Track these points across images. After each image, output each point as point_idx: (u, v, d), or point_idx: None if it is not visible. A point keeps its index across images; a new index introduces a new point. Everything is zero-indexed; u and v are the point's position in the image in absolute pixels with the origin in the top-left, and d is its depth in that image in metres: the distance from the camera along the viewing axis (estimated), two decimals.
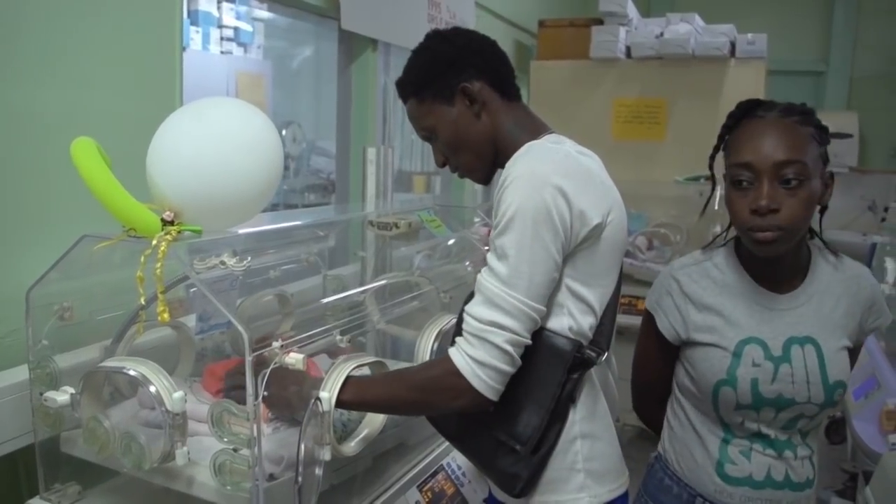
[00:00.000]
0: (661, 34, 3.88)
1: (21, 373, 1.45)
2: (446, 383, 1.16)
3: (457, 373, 1.14)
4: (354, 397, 1.23)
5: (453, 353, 1.16)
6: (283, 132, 4.11)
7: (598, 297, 1.24)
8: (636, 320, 3.30)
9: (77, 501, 1.42)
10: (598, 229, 1.20)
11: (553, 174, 1.16)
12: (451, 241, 2.32)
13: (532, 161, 1.20)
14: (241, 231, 1.46)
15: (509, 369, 1.15)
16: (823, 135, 1.28)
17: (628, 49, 4.00)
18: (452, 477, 1.74)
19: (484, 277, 1.17)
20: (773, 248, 1.27)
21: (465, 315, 1.18)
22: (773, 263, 1.33)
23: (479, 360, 1.13)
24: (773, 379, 1.30)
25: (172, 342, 1.66)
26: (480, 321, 1.14)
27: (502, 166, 1.26)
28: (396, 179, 4.73)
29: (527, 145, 1.25)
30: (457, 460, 1.76)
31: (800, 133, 1.25)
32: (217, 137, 1.31)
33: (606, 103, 4.12)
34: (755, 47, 3.79)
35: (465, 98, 1.31)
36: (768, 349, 1.32)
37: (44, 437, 1.42)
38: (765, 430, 1.35)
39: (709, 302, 1.38)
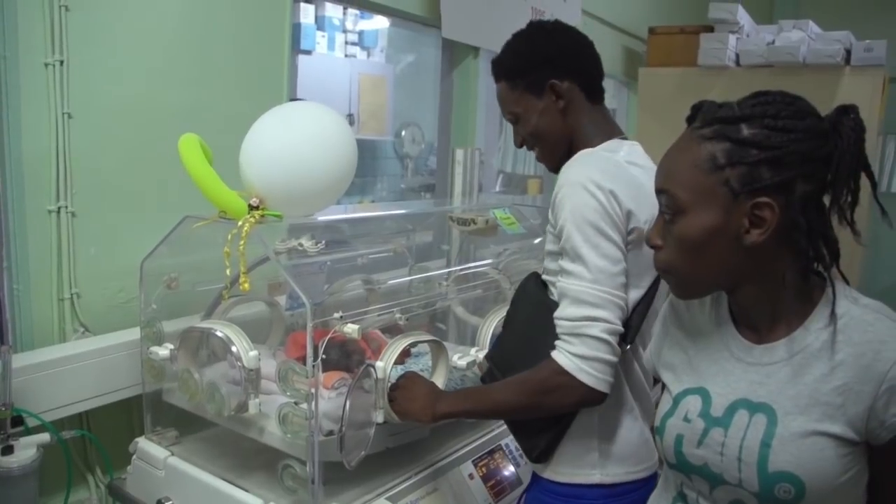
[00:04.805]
0: (773, 42, 3.81)
1: (137, 333, 1.70)
2: (554, 383, 1.21)
3: (562, 371, 1.19)
4: (463, 407, 1.34)
5: (555, 354, 1.21)
6: (403, 133, 4.30)
7: (631, 295, 1.29)
8: None
9: (174, 444, 1.66)
10: (641, 233, 1.27)
11: (601, 179, 1.24)
12: (536, 240, 2.43)
13: (583, 168, 1.29)
14: (320, 218, 1.65)
15: (612, 358, 1.20)
16: (748, 149, 0.93)
17: (738, 56, 3.96)
18: (510, 457, 1.83)
19: (564, 282, 1.24)
20: (678, 292, 1.07)
21: (556, 321, 1.23)
22: (740, 304, 1.05)
23: (582, 355, 1.18)
24: (699, 442, 1.03)
25: (266, 317, 1.88)
26: (572, 320, 1.20)
27: None
28: (510, 182, 4.84)
29: (580, 153, 1.35)
30: (515, 442, 1.86)
31: (692, 153, 0.97)
32: (296, 135, 1.51)
33: None
34: (873, 54, 3.64)
35: (553, 94, 1.38)
36: (709, 405, 1.04)
37: (150, 387, 1.68)
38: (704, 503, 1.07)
39: (680, 336, 1.14)
